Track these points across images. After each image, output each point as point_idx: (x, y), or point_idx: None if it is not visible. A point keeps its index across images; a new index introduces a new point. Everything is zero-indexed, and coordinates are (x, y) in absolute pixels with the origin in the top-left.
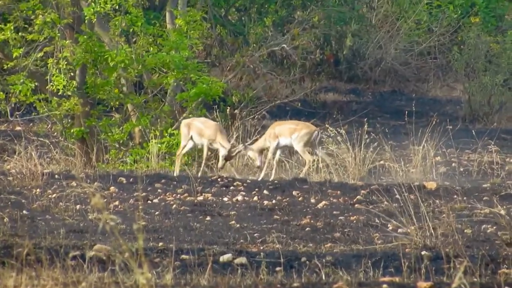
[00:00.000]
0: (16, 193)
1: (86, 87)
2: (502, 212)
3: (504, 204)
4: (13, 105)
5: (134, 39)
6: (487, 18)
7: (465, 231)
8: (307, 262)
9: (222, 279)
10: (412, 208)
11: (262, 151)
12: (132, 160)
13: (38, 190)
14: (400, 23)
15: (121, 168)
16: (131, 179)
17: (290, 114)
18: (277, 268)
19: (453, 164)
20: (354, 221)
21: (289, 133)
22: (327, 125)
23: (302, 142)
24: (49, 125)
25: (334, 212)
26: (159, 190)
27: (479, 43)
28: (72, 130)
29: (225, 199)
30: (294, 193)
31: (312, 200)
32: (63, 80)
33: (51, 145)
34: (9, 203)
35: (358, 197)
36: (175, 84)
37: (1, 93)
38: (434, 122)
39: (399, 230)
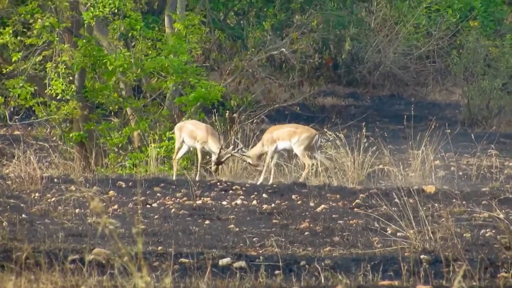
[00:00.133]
0: (15, 197)
1: (85, 91)
2: (501, 216)
3: (503, 208)
4: (12, 109)
5: (133, 43)
6: (486, 22)
7: (464, 235)
8: (306, 266)
9: (221, 282)
10: (411, 212)
11: (260, 156)
12: (131, 164)
13: (37, 194)
14: (399, 27)
15: (120, 172)
16: (130, 183)
17: (289, 118)
18: (276, 272)
19: (452, 168)
20: (353, 225)
21: (288, 136)
22: (325, 129)
23: (303, 146)
24: (48, 129)
25: (333, 216)
26: (158, 194)
27: (477, 47)
28: (71, 134)
29: (224, 203)
30: (293, 197)
31: (311, 204)
32: (62, 84)
33: (50, 149)
34: (8, 207)
35: (357, 201)
36: (174, 88)
37: (0, 97)
38: (433, 126)
39: (398, 234)
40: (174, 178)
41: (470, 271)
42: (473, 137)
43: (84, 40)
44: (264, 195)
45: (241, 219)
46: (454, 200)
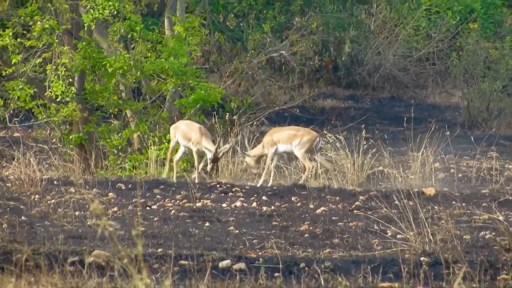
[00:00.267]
0: (14, 199)
1: (85, 93)
2: (501, 218)
3: (503, 210)
4: (11, 111)
5: (133, 45)
6: (486, 24)
7: (464, 237)
8: (306, 268)
9: (221, 285)
10: (411, 214)
11: (260, 158)
12: (131, 166)
13: (36, 196)
14: (398, 29)
15: (119, 174)
16: (129, 185)
17: (288, 120)
18: (276, 274)
19: (452, 170)
20: (353, 227)
21: (289, 139)
22: (325, 131)
23: (304, 149)
24: (48, 131)
25: (333, 218)
26: (157, 196)
27: (477, 49)
28: (70, 136)
29: (224, 205)
30: (293, 199)
31: (311, 206)
32: (62, 86)
33: (49, 151)
34: (8, 209)
35: (357, 203)
36: (173, 90)
37: (0, 99)
38: (432, 128)
39: (398, 236)
40: (165, 175)
41: (470, 273)
42: (473, 139)
43: (84, 43)
44: (263, 197)
45: (241, 221)
46: (454, 202)
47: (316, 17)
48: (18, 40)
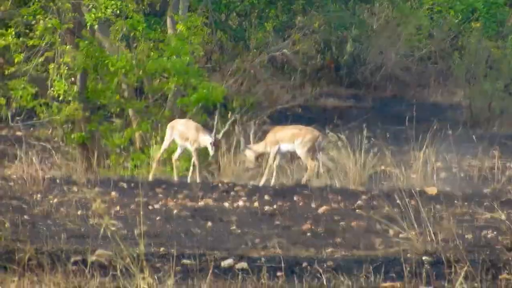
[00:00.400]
0: (17, 198)
1: (87, 93)
2: (503, 217)
3: (505, 209)
4: (14, 110)
5: (135, 44)
6: (488, 24)
7: (466, 236)
8: (308, 267)
9: (223, 284)
10: (413, 214)
11: (260, 156)
12: (133, 166)
13: (39, 195)
14: (401, 29)
15: (122, 173)
16: (132, 184)
17: (290, 119)
18: (278, 273)
19: (454, 170)
20: (355, 227)
21: (291, 138)
22: (327, 131)
23: (306, 148)
24: (50, 130)
25: (335, 218)
26: (160, 195)
27: (479, 48)
28: (72, 135)
29: (226, 204)
30: (295, 198)
31: (313, 205)
32: (64, 85)
33: (52, 150)
34: (11, 208)
35: (359, 202)
36: (175, 89)
37: (2, 98)
38: (434, 128)
39: (400, 235)
40: (150, 178)
41: (471, 273)
42: (475, 138)
43: (86, 42)
44: (266, 196)
45: (243, 221)
46: (456, 202)
47: (318, 16)
48: (21, 39)
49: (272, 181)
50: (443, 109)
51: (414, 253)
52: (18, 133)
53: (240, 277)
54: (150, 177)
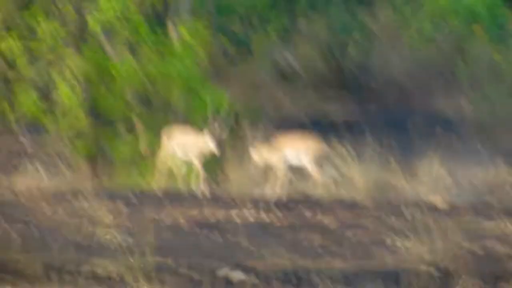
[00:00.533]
0: (23, 209)
1: (92, 100)
2: (511, 229)
3: None
4: (19, 119)
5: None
6: (491, 27)
7: (474, 248)
8: (317, 279)
9: None
10: (419, 225)
11: (265, 160)
12: (140, 176)
13: (45, 206)
14: (403, 34)
15: (129, 184)
16: (139, 196)
17: (294, 126)
18: (287, 286)
19: (460, 179)
20: (363, 239)
21: (296, 146)
22: (331, 139)
23: (311, 157)
24: (56, 141)
25: (343, 230)
26: (167, 207)
27: (483, 53)
28: (79, 145)
29: (234, 216)
30: (303, 210)
31: (320, 217)
32: (69, 93)
33: (57, 161)
34: (17, 220)
35: (366, 214)
36: (179, 95)
37: (6, 104)
38: (439, 136)
39: (407, 247)
40: (156, 189)
41: (479, 285)
42: (480, 147)
43: (90, 47)
44: (273, 208)
45: (251, 233)
46: (463, 213)
47: (321, 20)
48: (22, 42)
49: (280, 192)
50: (448, 117)
51: (421, 265)
52: (24, 143)
53: None
54: (156, 188)
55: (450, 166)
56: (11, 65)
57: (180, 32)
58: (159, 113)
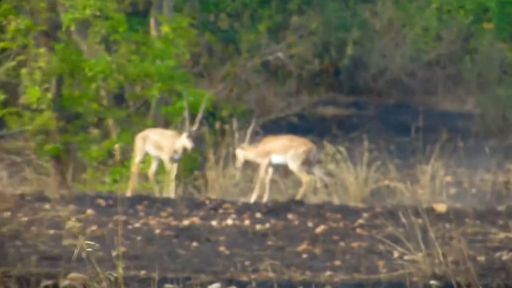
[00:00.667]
0: None
1: (62, 100)
2: None
3: None
4: None
5: (115, 47)
6: (502, 25)
7: (478, 258)
8: None
9: None
10: (419, 233)
11: (249, 161)
12: (112, 180)
13: (8, 213)
14: (406, 30)
15: (99, 189)
16: (110, 201)
17: (285, 129)
18: None
19: (465, 185)
20: (356, 248)
21: (283, 150)
22: (325, 142)
23: (299, 161)
24: (21, 142)
25: (334, 238)
26: (141, 213)
27: (492, 51)
28: (46, 147)
29: (214, 223)
30: (290, 216)
31: (310, 224)
32: (37, 92)
33: (22, 164)
34: None
35: (360, 221)
36: (159, 96)
37: None
38: (443, 139)
39: (406, 257)
40: (128, 195)
41: None
42: (487, 150)
43: (62, 44)
44: (257, 214)
45: (232, 241)
46: (467, 220)
47: (315, 16)
48: None
49: (265, 197)
50: (453, 118)
51: (421, 277)
52: None
53: None
54: (129, 193)
55: (454, 170)
56: None
57: (162, 29)
58: (136, 115)
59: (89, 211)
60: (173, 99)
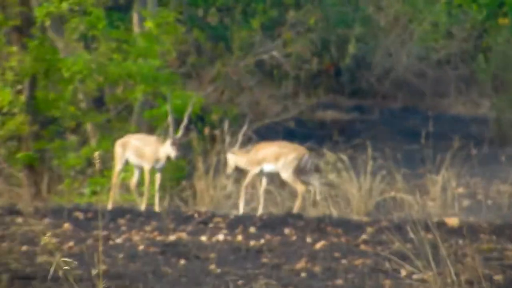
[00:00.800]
0: None
1: (36, 103)
2: None
3: None
4: None
5: (95, 45)
6: None
7: (495, 277)
8: None
9: None
10: (429, 250)
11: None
12: (91, 191)
13: None
14: (413, 26)
15: (77, 201)
16: (89, 215)
17: (281, 135)
18: None
19: (479, 197)
20: (360, 266)
21: (274, 158)
22: (325, 149)
23: (290, 170)
24: None
25: (335, 254)
26: (123, 228)
27: (509, 50)
28: (18, 155)
29: (203, 238)
30: (287, 231)
31: (309, 240)
32: (9, 94)
33: None
34: None
35: (363, 236)
36: (142, 99)
37: None
38: (455, 146)
39: (414, 277)
40: (109, 207)
41: None
42: (504, 158)
43: (36, 42)
44: (251, 228)
45: (224, 258)
46: (481, 235)
47: (314, 11)
48: None
49: (259, 210)
50: (466, 123)
51: None
52: None
53: None
54: (110, 206)
55: (467, 180)
56: None
57: (145, 25)
58: (117, 119)
59: (66, 225)
60: (158, 102)
